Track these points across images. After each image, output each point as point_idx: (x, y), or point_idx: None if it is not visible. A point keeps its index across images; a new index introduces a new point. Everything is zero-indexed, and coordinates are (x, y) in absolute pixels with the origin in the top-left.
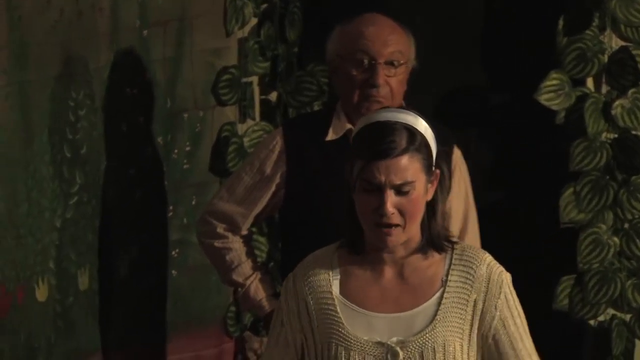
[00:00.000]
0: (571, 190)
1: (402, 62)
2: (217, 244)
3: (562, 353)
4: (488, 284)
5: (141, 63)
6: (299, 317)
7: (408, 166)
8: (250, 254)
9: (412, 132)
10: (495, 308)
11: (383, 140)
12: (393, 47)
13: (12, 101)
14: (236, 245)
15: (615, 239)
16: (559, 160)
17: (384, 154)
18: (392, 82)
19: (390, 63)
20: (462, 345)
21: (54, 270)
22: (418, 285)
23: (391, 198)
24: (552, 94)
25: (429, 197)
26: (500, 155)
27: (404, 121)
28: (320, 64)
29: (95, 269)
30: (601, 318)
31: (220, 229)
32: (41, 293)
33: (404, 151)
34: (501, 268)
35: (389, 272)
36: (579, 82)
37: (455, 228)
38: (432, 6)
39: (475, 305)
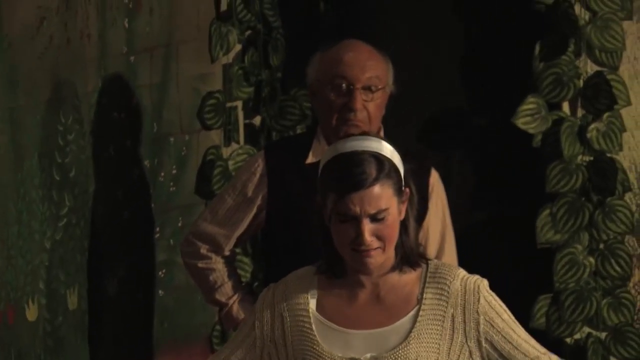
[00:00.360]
0: (548, 211)
1: (379, 87)
2: (201, 264)
3: None
4: (464, 295)
5: (128, 88)
6: (272, 328)
7: (381, 194)
8: (233, 274)
9: (380, 160)
10: (478, 313)
11: (353, 172)
12: (371, 72)
13: (2, 125)
14: (219, 265)
15: (591, 259)
16: (536, 182)
17: (356, 186)
18: (370, 106)
19: (367, 88)
20: None
21: (43, 290)
22: (394, 303)
23: (368, 227)
24: (529, 117)
25: (402, 216)
26: (478, 176)
27: (369, 149)
28: (303, 89)
29: (84, 289)
30: (577, 336)
31: (204, 249)
32: (31, 313)
33: (375, 180)
34: (476, 277)
35: (365, 292)
36: (555, 106)
37: (432, 248)
38: (412, 31)
39: (453, 319)
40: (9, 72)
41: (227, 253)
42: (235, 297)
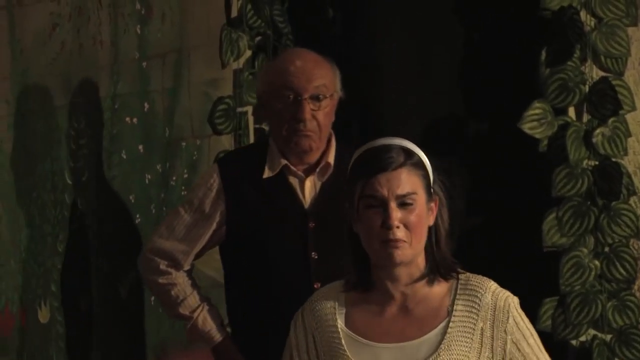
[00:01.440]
0: (554, 215)
1: (327, 95)
2: (161, 280)
3: None
4: (494, 311)
5: (140, 93)
6: (307, 351)
7: (408, 178)
8: (195, 286)
9: (409, 151)
10: (505, 332)
11: (381, 157)
12: (317, 81)
13: (16, 130)
14: (180, 279)
15: (596, 262)
16: (542, 187)
17: (384, 167)
18: (319, 115)
19: (315, 97)
20: None
21: (55, 293)
22: (423, 316)
23: (395, 212)
24: (535, 122)
25: (431, 221)
26: (485, 181)
27: (400, 144)
28: None
29: (95, 291)
30: (583, 338)
31: (163, 265)
32: (43, 315)
33: (402, 164)
34: (507, 293)
35: (394, 304)
36: (560, 111)
37: None
38: (418, 37)
39: (482, 333)
40: (22, 77)
41: (186, 267)
42: (199, 310)
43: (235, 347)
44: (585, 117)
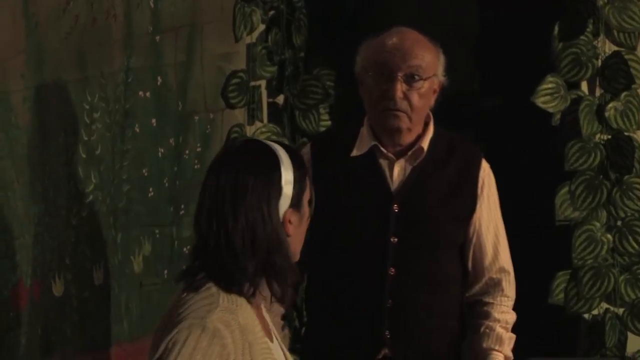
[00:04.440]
0: (566, 189)
1: (423, 76)
2: None
3: (558, 345)
4: None
5: (153, 67)
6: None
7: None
8: None
9: None
10: None
11: None
12: (414, 61)
13: (29, 104)
14: None
15: (609, 235)
16: (555, 160)
17: None
18: (412, 96)
19: (410, 76)
20: None
21: (69, 266)
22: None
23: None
24: (548, 97)
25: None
26: (498, 155)
27: None
28: (325, 68)
29: (109, 265)
30: (595, 312)
31: None
32: (57, 288)
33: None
34: None
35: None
36: (573, 86)
37: (488, 246)
38: (429, 10)
39: None
40: (36, 51)
41: None
42: None
43: None
44: (598, 91)
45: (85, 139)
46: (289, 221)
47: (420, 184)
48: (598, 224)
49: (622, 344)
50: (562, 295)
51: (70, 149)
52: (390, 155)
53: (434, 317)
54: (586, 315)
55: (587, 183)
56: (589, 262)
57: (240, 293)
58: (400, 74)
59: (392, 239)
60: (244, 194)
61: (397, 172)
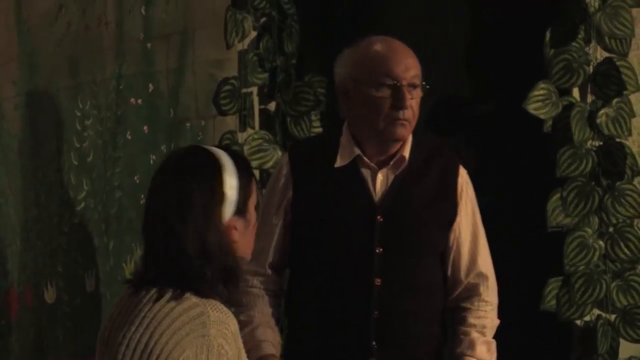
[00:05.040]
0: (558, 195)
1: (418, 85)
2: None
3: (550, 352)
4: None
5: (145, 74)
6: None
7: None
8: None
9: None
10: None
11: None
12: (413, 70)
13: (22, 111)
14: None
15: (601, 242)
16: (547, 167)
17: None
18: (413, 104)
19: (412, 85)
20: None
21: (61, 273)
22: None
23: None
24: (540, 103)
25: None
26: (490, 162)
27: None
28: (317, 75)
29: (101, 272)
30: (587, 318)
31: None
32: (49, 295)
33: None
34: None
35: None
36: (565, 92)
37: (465, 250)
38: (421, 17)
39: None
40: (28, 57)
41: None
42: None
43: None
44: (590, 98)
45: (77, 146)
46: (234, 227)
47: (402, 193)
48: (590, 231)
49: (614, 350)
50: (554, 302)
51: (62, 156)
52: (372, 165)
53: (420, 325)
54: (578, 322)
55: (578, 189)
56: (581, 268)
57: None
58: (405, 83)
59: (377, 250)
60: (189, 200)
61: (380, 182)
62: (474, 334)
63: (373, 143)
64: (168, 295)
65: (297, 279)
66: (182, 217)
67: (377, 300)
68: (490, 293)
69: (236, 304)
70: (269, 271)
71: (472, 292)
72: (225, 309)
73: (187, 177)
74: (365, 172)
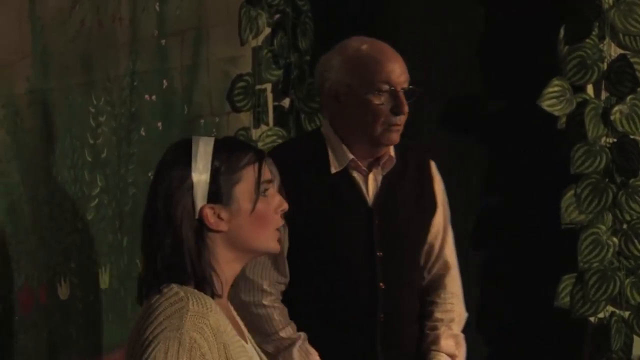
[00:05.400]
0: (572, 192)
1: (408, 88)
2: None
3: (564, 348)
4: None
5: (159, 71)
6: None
7: None
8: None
9: None
10: None
11: None
12: (405, 74)
13: (35, 107)
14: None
15: (614, 239)
16: (561, 164)
17: None
18: (406, 109)
19: (405, 89)
20: None
21: (75, 270)
22: None
23: None
24: (554, 100)
25: None
26: (504, 159)
27: None
28: None
29: (115, 268)
30: (601, 315)
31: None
32: (63, 292)
33: None
34: None
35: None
36: (579, 89)
37: (437, 241)
38: (434, 14)
39: None
40: (42, 54)
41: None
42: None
43: None
44: (604, 95)
45: (91, 142)
46: (206, 215)
47: (391, 194)
48: (604, 227)
49: (628, 347)
50: (567, 299)
51: (76, 152)
52: (364, 168)
53: (417, 324)
54: (592, 319)
55: (592, 186)
56: (594, 265)
57: (202, 291)
58: (400, 89)
59: (378, 253)
60: (155, 191)
61: (372, 184)
62: (442, 328)
63: (363, 146)
64: (157, 291)
65: (300, 286)
66: (154, 209)
67: (383, 304)
68: (455, 284)
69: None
70: (287, 278)
71: (437, 283)
72: (209, 302)
73: (161, 168)
74: (357, 176)
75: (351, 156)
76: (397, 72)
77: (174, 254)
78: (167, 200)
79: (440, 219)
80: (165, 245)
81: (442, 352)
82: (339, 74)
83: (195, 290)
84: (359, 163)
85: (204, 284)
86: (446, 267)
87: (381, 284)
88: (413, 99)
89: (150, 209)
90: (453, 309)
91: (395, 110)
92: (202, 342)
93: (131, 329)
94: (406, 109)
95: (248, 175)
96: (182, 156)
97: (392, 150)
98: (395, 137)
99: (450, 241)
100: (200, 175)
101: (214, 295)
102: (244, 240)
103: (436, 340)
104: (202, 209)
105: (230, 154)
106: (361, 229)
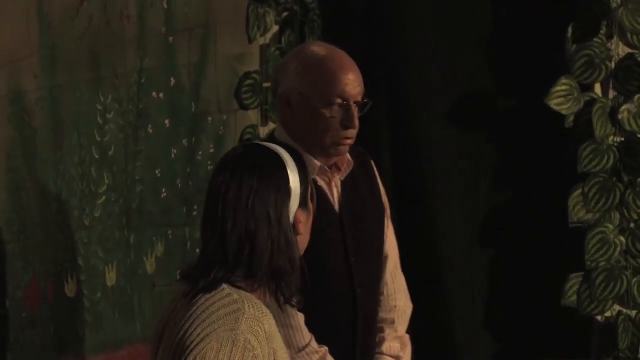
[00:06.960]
0: (579, 191)
1: (361, 100)
2: None
3: (571, 347)
4: None
5: (167, 68)
6: None
7: None
8: None
9: None
10: None
11: None
12: (360, 86)
13: (43, 104)
14: None
15: (622, 238)
16: (568, 163)
17: None
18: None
19: (359, 103)
20: None
21: (82, 267)
22: None
23: None
24: (562, 99)
25: None
26: (512, 157)
27: None
28: None
29: (122, 266)
30: (608, 314)
31: None
32: (70, 289)
33: None
34: None
35: None
36: (587, 88)
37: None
38: (442, 13)
39: None
40: (50, 51)
41: None
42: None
43: None
44: (612, 94)
45: (99, 139)
46: (299, 220)
47: (351, 197)
48: (611, 226)
49: (635, 346)
50: (575, 297)
51: (83, 149)
52: (331, 174)
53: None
54: (599, 318)
55: (600, 185)
56: (602, 264)
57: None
58: (353, 102)
59: (352, 259)
60: (248, 198)
61: (335, 190)
62: (386, 331)
63: (318, 153)
64: (215, 290)
65: None
66: (236, 215)
67: (361, 308)
68: (397, 279)
69: None
70: None
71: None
72: (264, 308)
73: (250, 174)
74: (323, 183)
75: (319, 163)
76: (352, 84)
77: (266, 258)
78: (269, 207)
79: (388, 215)
80: (259, 249)
81: (387, 355)
82: (293, 81)
83: (248, 294)
84: (327, 169)
85: (282, 285)
86: (386, 258)
87: (358, 290)
88: (365, 112)
89: (244, 214)
90: (396, 305)
91: (346, 124)
92: (256, 345)
93: (161, 321)
94: (357, 122)
95: (310, 179)
96: (273, 164)
97: (348, 155)
98: (344, 150)
99: (392, 236)
100: (294, 183)
101: (292, 296)
102: (302, 243)
103: (381, 343)
104: (296, 213)
105: (299, 161)
106: (335, 237)
